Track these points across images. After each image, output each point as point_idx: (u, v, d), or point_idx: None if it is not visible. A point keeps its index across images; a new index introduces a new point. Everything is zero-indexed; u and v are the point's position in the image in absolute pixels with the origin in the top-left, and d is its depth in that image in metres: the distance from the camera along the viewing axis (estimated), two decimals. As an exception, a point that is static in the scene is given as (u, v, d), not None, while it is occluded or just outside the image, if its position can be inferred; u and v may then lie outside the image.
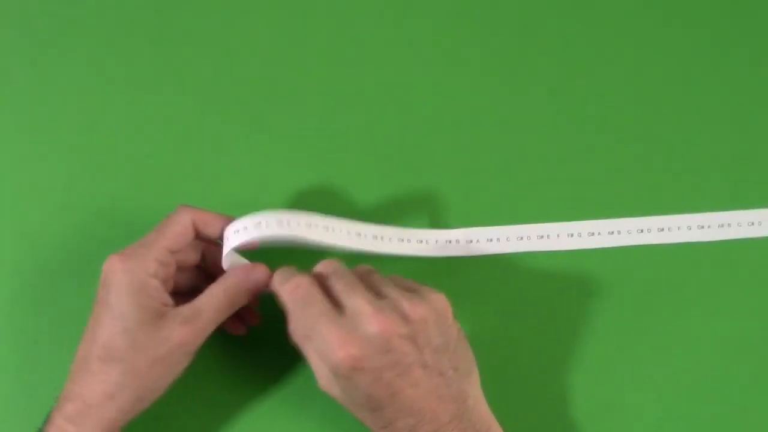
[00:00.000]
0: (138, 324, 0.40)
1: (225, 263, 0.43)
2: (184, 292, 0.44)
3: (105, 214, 0.50)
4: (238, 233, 0.42)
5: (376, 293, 0.40)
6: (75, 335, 0.43)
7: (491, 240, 0.49)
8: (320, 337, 0.39)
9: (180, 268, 0.44)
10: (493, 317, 0.49)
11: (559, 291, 0.49)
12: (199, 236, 0.43)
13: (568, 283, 0.49)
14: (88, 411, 0.40)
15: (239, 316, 0.45)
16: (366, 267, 0.44)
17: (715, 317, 0.49)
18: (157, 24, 0.53)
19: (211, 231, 0.43)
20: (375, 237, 0.47)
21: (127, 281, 0.40)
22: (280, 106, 0.52)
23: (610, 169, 0.51)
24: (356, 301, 0.39)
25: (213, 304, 0.42)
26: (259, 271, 0.43)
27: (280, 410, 0.47)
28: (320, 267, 0.42)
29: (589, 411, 0.47)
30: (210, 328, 0.42)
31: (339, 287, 0.40)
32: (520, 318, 0.49)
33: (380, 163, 0.51)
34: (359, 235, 0.47)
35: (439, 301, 0.41)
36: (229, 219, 0.43)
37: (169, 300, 0.41)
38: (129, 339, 0.40)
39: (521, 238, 0.50)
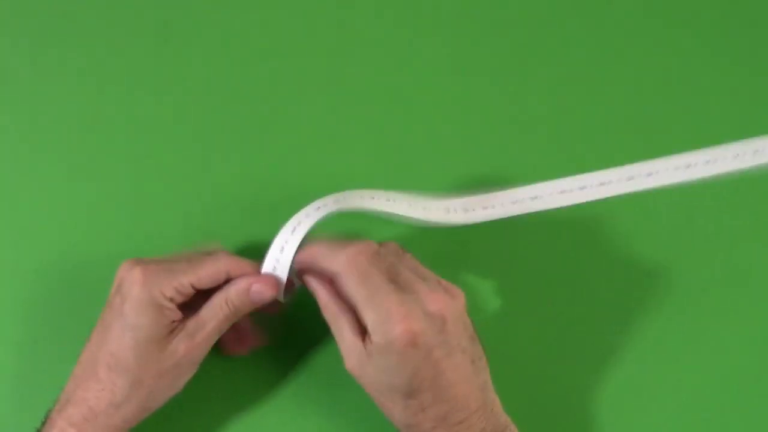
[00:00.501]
0: (149, 339, 0.40)
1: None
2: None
3: (105, 214, 0.50)
4: (295, 232, 0.43)
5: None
6: (75, 336, 0.44)
7: (486, 208, 0.50)
8: (381, 307, 0.39)
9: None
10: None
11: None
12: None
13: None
14: (93, 418, 0.40)
15: (240, 336, 0.46)
16: (395, 245, 0.43)
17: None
18: (157, 24, 0.54)
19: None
20: (390, 200, 0.48)
21: (144, 298, 0.40)
22: (281, 105, 0.52)
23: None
24: (411, 278, 0.40)
25: (214, 315, 0.42)
26: (264, 282, 0.43)
27: (282, 411, 0.47)
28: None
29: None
30: (213, 339, 0.42)
31: (390, 263, 0.41)
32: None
33: (380, 161, 0.52)
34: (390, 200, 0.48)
35: (460, 294, 0.41)
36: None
37: (179, 316, 0.42)
38: (138, 352, 0.40)
39: (514, 202, 0.50)
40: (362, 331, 0.40)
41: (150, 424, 0.43)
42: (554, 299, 0.49)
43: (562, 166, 0.51)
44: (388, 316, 0.38)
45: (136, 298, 0.40)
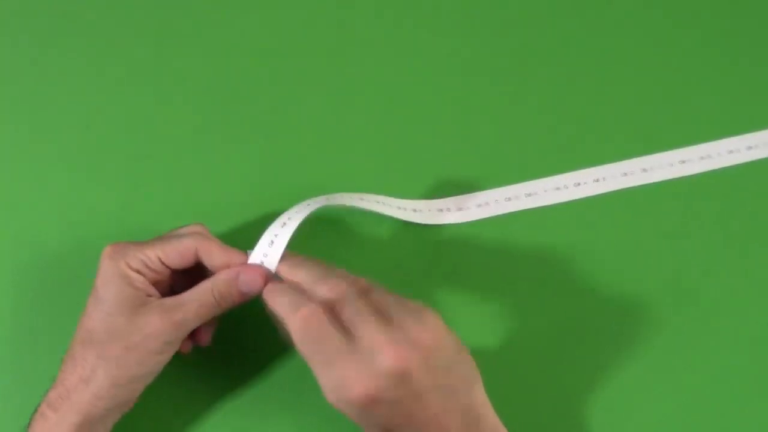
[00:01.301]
0: (118, 310, 0.40)
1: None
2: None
3: (104, 213, 0.50)
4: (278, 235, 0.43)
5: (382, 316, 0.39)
6: (72, 332, 0.43)
7: (480, 205, 0.50)
8: (335, 372, 0.38)
9: (177, 272, 0.43)
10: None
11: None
12: (200, 261, 0.43)
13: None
14: (67, 395, 0.40)
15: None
16: (363, 282, 0.42)
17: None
18: (157, 24, 0.54)
19: (211, 262, 0.42)
20: (381, 203, 0.49)
21: (111, 270, 0.41)
22: (280, 105, 0.52)
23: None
24: (368, 330, 0.38)
25: (197, 298, 0.41)
26: (252, 273, 0.42)
27: (274, 410, 0.47)
28: (327, 292, 0.40)
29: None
30: (191, 323, 0.41)
31: (348, 314, 0.39)
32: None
33: (373, 161, 0.52)
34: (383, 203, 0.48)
35: (434, 319, 0.40)
36: (235, 252, 0.43)
37: (155, 293, 0.42)
38: (107, 324, 0.40)
39: (509, 199, 0.50)
40: None
41: (140, 424, 0.44)
42: (549, 296, 0.49)
43: (557, 163, 0.51)
44: (344, 381, 0.38)
45: (103, 271, 0.41)
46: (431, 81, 0.53)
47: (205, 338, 0.45)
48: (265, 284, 0.42)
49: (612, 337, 0.48)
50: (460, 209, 0.50)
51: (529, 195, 0.50)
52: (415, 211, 0.49)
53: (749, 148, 0.52)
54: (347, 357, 0.38)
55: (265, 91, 0.53)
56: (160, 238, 0.43)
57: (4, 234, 0.50)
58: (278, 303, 0.40)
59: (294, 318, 0.39)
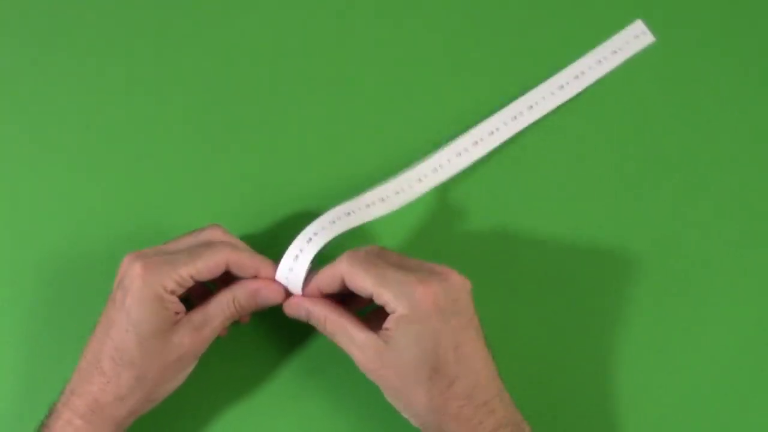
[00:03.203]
0: (152, 333, 0.41)
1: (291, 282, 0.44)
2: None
3: (105, 213, 0.50)
4: (311, 241, 0.44)
5: None
6: (76, 334, 0.44)
7: (398, 192, 0.49)
8: (396, 282, 0.40)
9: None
10: None
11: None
12: (229, 272, 0.44)
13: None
14: (100, 409, 0.41)
15: None
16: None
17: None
18: (158, 24, 0.54)
19: (244, 274, 0.43)
20: (397, 192, 0.49)
21: (146, 293, 0.40)
22: (280, 105, 0.52)
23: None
24: (415, 262, 0.42)
25: (221, 312, 0.43)
26: (272, 290, 0.44)
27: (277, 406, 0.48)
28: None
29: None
30: (217, 333, 0.43)
31: (392, 257, 0.42)
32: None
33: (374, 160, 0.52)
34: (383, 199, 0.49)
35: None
36: (264, 260, 0.44)
37: (182, 308, 0.42)
38: (142, 346, 0.41)
39: (420, 180, 0.50)
40: (370, 327, 0.41)
41: (147, 414, 0.44)
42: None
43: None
44: (406, 285, 0.40)
45: (137, 293, 0.41)
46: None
47: (244, 317, 0.46)
48: (282, 299, 0.44)
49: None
50: (383, 200, 0.49)
51: (436, 170, 0.50)
52: (348, 214, 0.48)
53: (614, 52, 0.53)
54: (403, 270, 0.40)
55: (265, 90, 0.52)
56: (188, 252, 0.42)
57: (4, 234, 0.50)
58: (319, 272, 0.43)
59: (341, 258, 0.42)
